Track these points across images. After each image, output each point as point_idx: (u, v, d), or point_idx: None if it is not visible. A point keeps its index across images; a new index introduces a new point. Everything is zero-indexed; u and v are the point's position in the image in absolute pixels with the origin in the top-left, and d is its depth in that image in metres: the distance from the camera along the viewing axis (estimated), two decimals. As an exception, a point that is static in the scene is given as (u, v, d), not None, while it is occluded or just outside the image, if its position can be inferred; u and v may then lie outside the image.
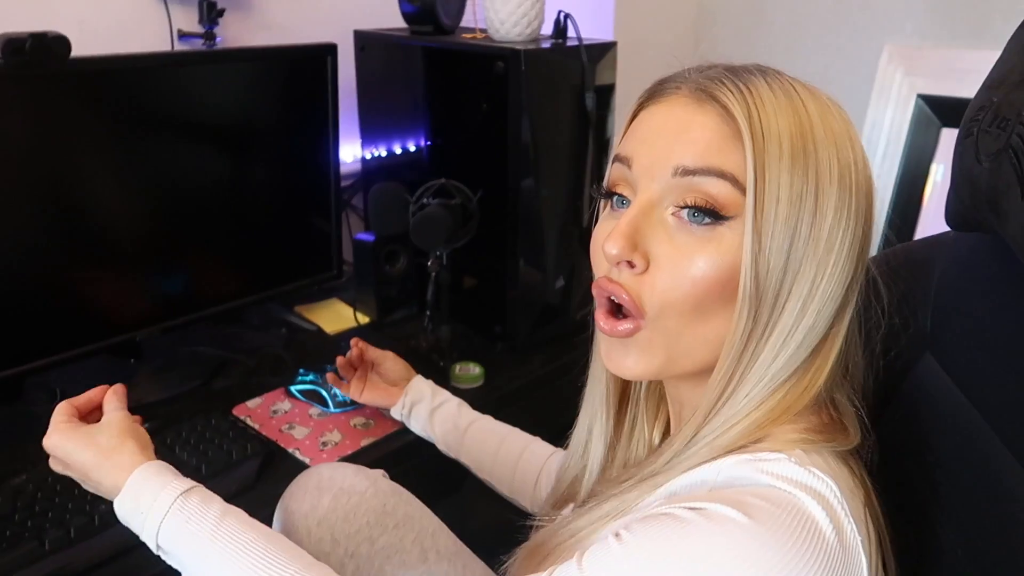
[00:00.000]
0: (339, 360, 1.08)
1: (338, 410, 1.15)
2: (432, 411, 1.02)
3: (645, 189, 0.55)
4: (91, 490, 0.72)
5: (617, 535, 0.51)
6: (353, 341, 1.08)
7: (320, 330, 1.42)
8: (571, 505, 0.69)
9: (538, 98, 1.20)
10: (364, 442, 1.08)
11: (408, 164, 1.45)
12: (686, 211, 0.53)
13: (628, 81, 1.39)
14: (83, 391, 1.11)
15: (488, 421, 1.02)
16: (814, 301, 0.53)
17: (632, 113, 0.59)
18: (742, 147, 0.52)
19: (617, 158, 0.58)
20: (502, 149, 1.24)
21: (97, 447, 0.70)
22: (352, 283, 1.49)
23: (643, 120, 0.57)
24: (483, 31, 1.34)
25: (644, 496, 0.57)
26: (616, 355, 0.58)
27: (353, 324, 1.43)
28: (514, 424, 1.02)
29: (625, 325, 0.56)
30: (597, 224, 0.61)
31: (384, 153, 1.49)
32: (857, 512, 0.52)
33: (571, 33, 1.27)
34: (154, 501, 0.65)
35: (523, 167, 1.23)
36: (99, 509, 0.89)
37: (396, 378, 1.06)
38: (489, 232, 1.26)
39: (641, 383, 0.70)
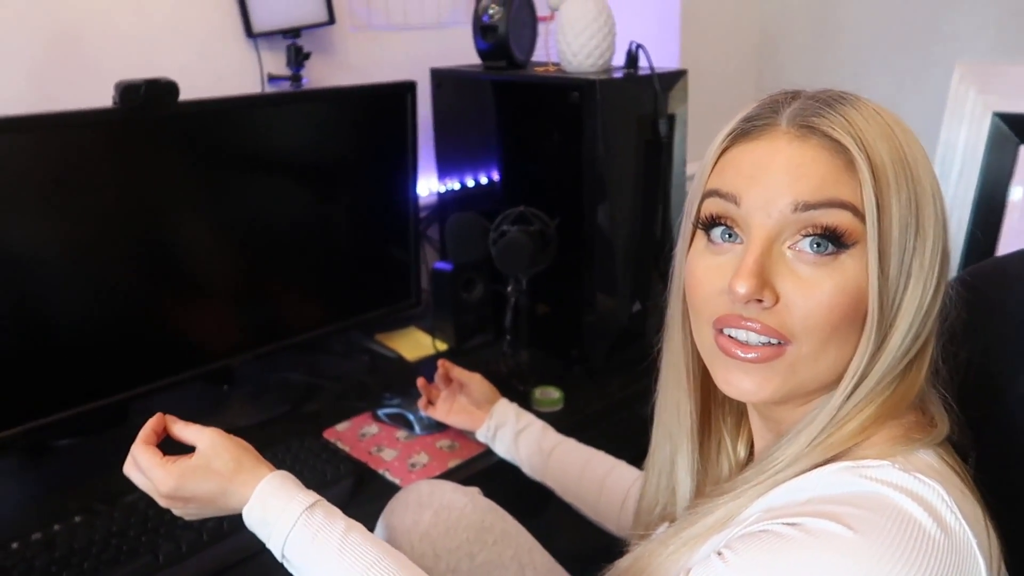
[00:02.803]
0: (421, 381, 1.12)
1: (424, 432, 1.18)
2: (517, 434, 1.04)
3: (761, 226, 0.56)
4: (215, 514, 0.73)
5: (720, 554, 0.53)
6: (440, 362, 1.12)
7: (400, 357, 1.46)
8: (665, 524, 0.70)
9: (611, 126, 1.23)
10: (451, 463, 1.11)
11: (482, 195, 1.49)
12: (807, 242, 0.55)
13: (697, 108, 1.42)
14: (183, 416, 1.18)
15: (572, 444, 1.03)
16: (922, 312, 0.56)
17: (720, 149, 0.61)
18: (855, 177, 0.55)
19: (717, 193, 0.59)
20: (576, 177, 1.27)
21: (218, 474, 0.70)
22: (430, 311, 1.53)
23: (740, 157, 0.59)
24: (555, 64, 1.38)
25: (742, 509, 0.59)
26: (736, 378, 0.59)
27: (431, 351, 1.46)
28: (595, 447, 1.04)
29: (760, 352, 0.57)
30: (691, 257, 0.62)
31: (458, 185, 1.54)
32: (971, 512, 0.52)
33: (642, 63, 1.30)
34: (281, 513, 0.67)
35: (598, 194, 1.26)
36: (207, 526, 0.93)
37: (481, 399, 1.09)
38: (564, 258, 1.29)
39: (726, 405, 0.71)
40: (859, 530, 0.49)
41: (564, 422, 1.21)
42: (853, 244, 0.55)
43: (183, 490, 0.70)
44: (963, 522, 0.51)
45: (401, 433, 1.19)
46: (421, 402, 1.14)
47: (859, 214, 0.54)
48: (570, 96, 1.23)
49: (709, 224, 0.60)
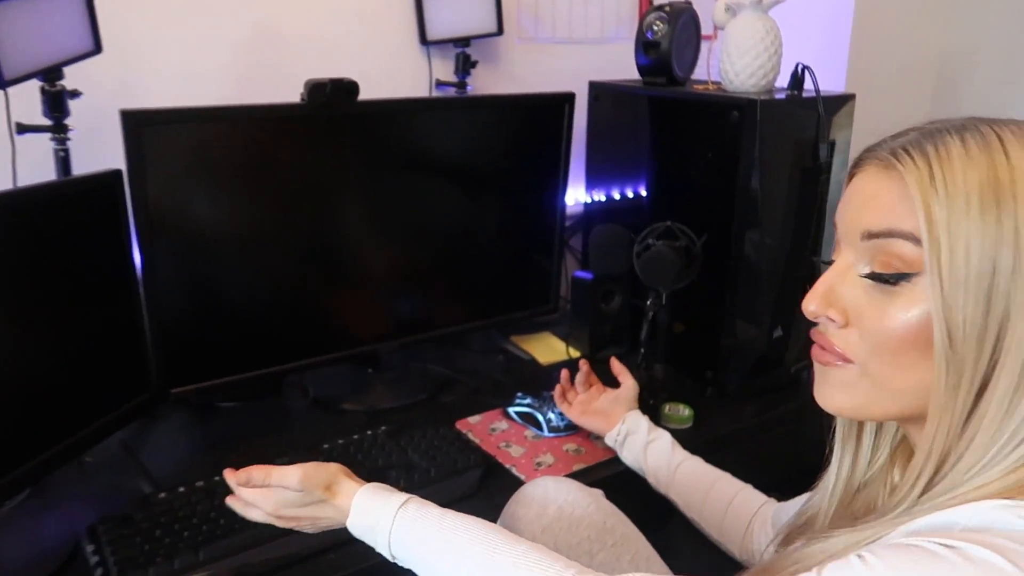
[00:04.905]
0: (564, 373, 1.17)
1: (551, 434, 1.21)
2: (647, 444, 1.05)
3: (843, 252, 0.62)
4: (323, 529, 0.79)
5: (861, 556, 0.52)
6: (582, 362, 1.15)
7: (534, 360, 1.50)
8: (801, 540, 0.69)
9: (769, 148, 1.22)
10: (576, 467, 1.13)
11: (627, 209, 1.50)
12: (876, 269, 0.58)
13: (861, 135, 1.37)
14: (330, 392, 1.27)
15: (699, 462, 1.03)
16: None
17: (847, 179, 0.64)
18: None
19: (834, 222, 0.64)
20: (728, 197, 1.26)
21: (316, 501, 0.77)
22: (566, 318, 1.56)
23: (849, 187, 0.63)
24: (716, 83, 1.38)
25: (884, 532, 0.57)
26: (820, 387, 0.64)
27: (565, 357, 1.49)
28: (722, 470, 1.03)
29: (833, 356, 0.61)
30: None
31: (604, 197, 1.56)
32: None
33: (807, 85, 1.27)
34: (380, 517, 0.72)
35: (749, 216, 1.24)
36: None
37: (621, 404, 1.12)
38: (707, 278, 1.28)
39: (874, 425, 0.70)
40: (1020, 566, 0.47)
41: (692, 441, 1.19)
42: (919, 273, 0.56)
43: (291, 511, 0.78)
44: None
45: (529, 432, 1.22)
46: (557, 394, 1.19)
47: (921, 243, 0.55)
48: (729, 115, 1.22)
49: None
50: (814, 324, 0.64)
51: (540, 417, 1.22)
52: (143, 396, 1.10)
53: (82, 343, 1.01)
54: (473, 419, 1.26)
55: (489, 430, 1.23)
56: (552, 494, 0.89)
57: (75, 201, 0.98)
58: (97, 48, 1.06)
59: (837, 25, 1.70)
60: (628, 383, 1.16)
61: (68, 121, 1.08)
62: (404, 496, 0.74)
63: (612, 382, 1.19)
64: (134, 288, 1.07)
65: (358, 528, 0.75)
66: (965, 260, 0.53)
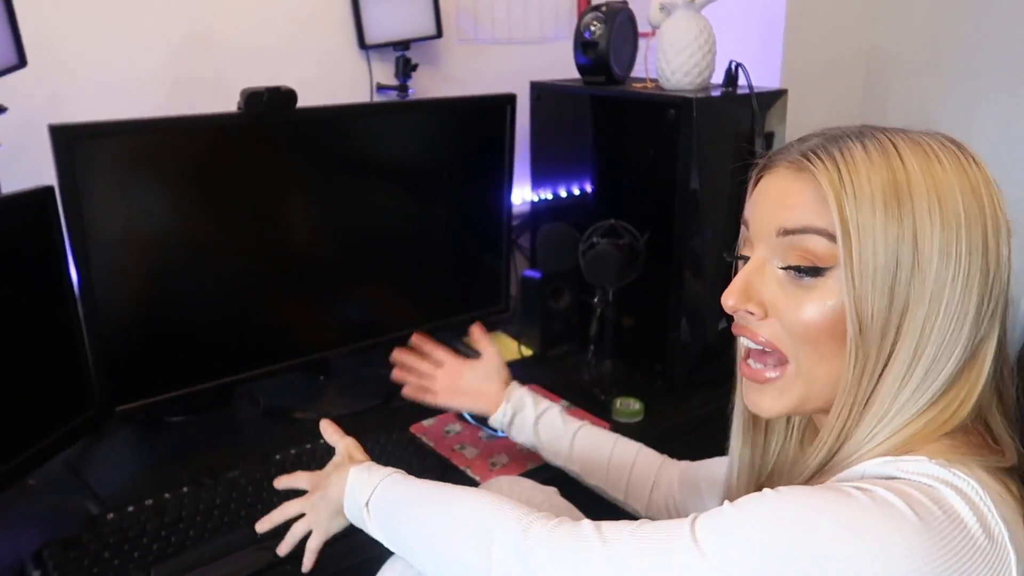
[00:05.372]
0: (396, 372, 1.16)
1: (505, 434, 1.21)
2: (536, 420, 1.05)
3: (757, 248, 0.65)
4: (334, 501, 0.85)
5: (777, 490, 0.56)
6: (414, 337, 1.14)
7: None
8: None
9: (706, 144, 1.24)
10: (529, 466, 1.14)
11: (574, 206, 1.52)
12: (792, 262, 0.61)
13: (796, 128, 1.41)
14: (281, 401, 1.26)
15: (591, 428, 1.05)
16: (932, 335, 0.58)
17: (753, 181, 0.67)
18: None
19: (743, 221, 0.67)
20: (669, 193, 1.28)
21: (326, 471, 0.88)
22: (517, 317, 1.57)
23: (758, 188, 0.66)
24: (653, 80, 1.40)
25: None
26: (755, 397, 0.67)
27: (517, 356, 1.50)
28: (675, 459, 1.05)
29: (770, 373, 0.65)
30: None
31: (550, 196, 1.58)
32: (1007, 515, 0.54)
33: (741, 81, 1.31)
34: (377, 471, 0.82)
35: (689, 210, 1.27)
36: (299, 505, 1.00)
37: (492, 376, 1.08)
38: (652, 273, 1.30)
39: None
40: (921, 516, 0.51)
41: (644, 434, 1.22)
42: (833, 267, 0.59)
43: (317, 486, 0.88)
44: (997, 518, 0.53)
45: (483, 433, 1.23)
46: (406, 390, 1.13)
47: (834, 239, 0.59)
48: (667, 113, 1.25)
49: (740, 255, 0.68)
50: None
51: (493, 417, 1.23)
52: (87, 414, 1.08)
53: (20, 364, 0.98)
54: (427, 422, 1.26)
55: (443, 432, 1.24)
56: (506, 493, 0.89)
57: (5, 220, 0.95)
58: (22, 61, 1.03)
59: (770, 23, 1.74)
60: (489, 351, 1.10)
61: (-5, 137, 1.05)
62: (393, 469, 0.82)
63: (567, 380, 1.18)
64: (72, 305, 1.04)
65: (350, 494, 0.82)
66: (872, 255, 0.57)
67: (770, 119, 1.32)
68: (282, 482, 0.91)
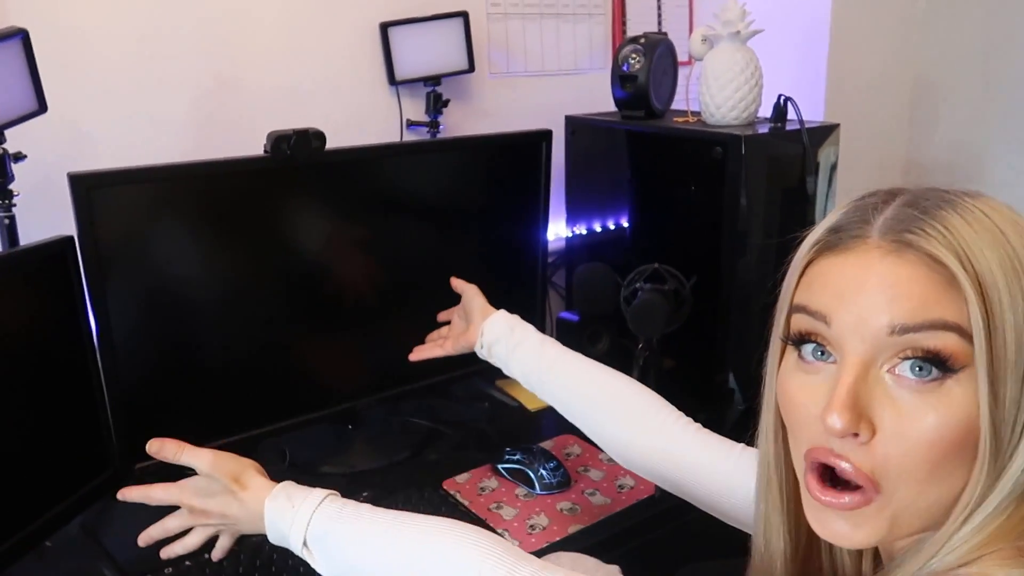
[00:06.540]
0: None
1: (544, 492, 1.15)
2: (510, 352, 0.98)
3: (854, 350, 0.51)
4: (240, 533, 0.80)
5: None
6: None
7: (522, 406, 1.43)
8: None
9: (755, 182, 1.18)
10: (571, 529, 1.07)
11: (610, 242, 1.46)
12: (908, 365, 0.50)
13: (848, 164, 1.34)
14: (308, 454, 1.20)
15: (573, 357, 0.96)
16: None
17: (806, 260, 0.56)
18: (959, 294, 0.49)
19: (804, 310, 0.54)
20: (715, 233, 1.22)
21: (225, 487, 0.78)
22: (552, 360, 1.50)
23: (828, 272, 0.54)
24: (695, 114, 1.34)
25: None
26: (829, 521, 0.54)
27: (553, 402, 1.43)
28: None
29: (851, 497, 0.52)
30: (783, 373, 0.57)
31: (585, 231, 1.52)
32: None
33: (790, 115, 1.24)
34: (305, 499, 0.72)
35: (737, 251, 1.20)
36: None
37: (469, 319, 1.04)
38: (696, 313, 1.23)
39: None
40: None
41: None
42: (961, 368, 0.49)
43: (196, 503, 0.80)
44: None
45: (520, 490, 1.16)
46: (414, 354, 1.11)
47: (966, 335, 0.48)
48: (713, 151, 1.18)
49: (799, 340, 0.55)
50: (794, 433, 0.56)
51: (531, 474, 1.16)
52: (105, 474, 1.03)
53: (37, 421, 0.93)
54: (460, 478, 1.19)
55: (478, 490, 1.17)
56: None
57: (23, 272, 0.91)
58: (42, 107, 0.99)
59: (813, 52, 1.68)
60: (468, 290, 1.05)
61: (12, 186, 1.01)
62: (324, 492, 0.74)
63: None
64: (91, 360, 0.99)
65: (274, 527, 0.74)
66: (1004, 347, 0.48)
67: (821, 155, 1.25)
68: (131, 495, 0.83)
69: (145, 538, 0.84)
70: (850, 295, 0.52)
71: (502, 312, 1.02)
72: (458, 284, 1.07)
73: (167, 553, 0.84)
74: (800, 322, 0.55)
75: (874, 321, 0.50)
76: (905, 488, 0.51)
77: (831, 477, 0.53)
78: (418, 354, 1.11)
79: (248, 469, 0.79)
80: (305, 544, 0.71)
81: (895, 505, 0.51)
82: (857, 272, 0.52)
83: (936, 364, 0.49)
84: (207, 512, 0.79)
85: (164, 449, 0.81)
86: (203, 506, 0.79)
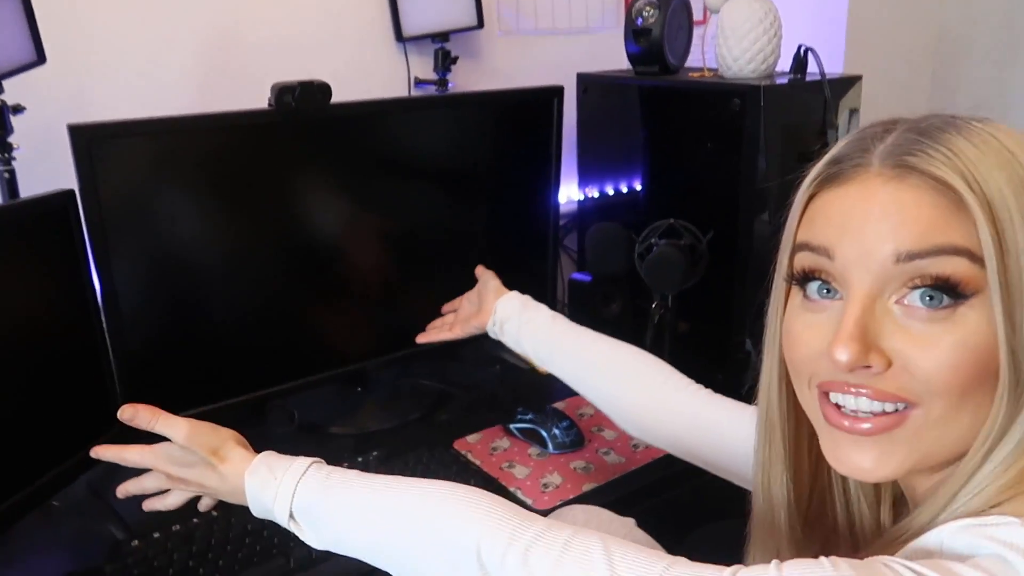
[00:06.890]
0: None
1: (557, 451, 1.13)
2: (521, 326, 0.98)
3: (860, 282, 0.49)
4: (221, 499, 0.75)
5: (832, 562, 0.46)
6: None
7: (532, 368, 1.40)
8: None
9: (773, 135, 1.14)
10: (585, 487, 1.05)
11: (624, 204, 1.43)
12: (918, 294, 0.48)
13: (868, 116, 1.30)
14: (317, 415, 1.18)
15: (582, 331, 0.96)
16: None
17: (807, 196, 0.53)
18: (968, 217, 0.46)
19: (807, 247, 0.52)
20: (732, 188, 1.18)
21: (202, 459, 0.73)
22: (564, 324, 1.47)
23: (830, 205, 0.52)
24: (712, 70, 1.31)
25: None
26: (848, 454, 0.51)
27: (565, 365, 1.41)
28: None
29: (881, 421, 0.50)
30: (788, 314, 0.55)
31: (597, 193, 1.49)
32: None
33: (810, 67, 1.20)
34: (287, 469, 0.68)
35: (756, 207, 1.17)
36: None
37: (483, 301, 1.04)
38: (712, 273, 1.20)
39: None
40: None
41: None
42: (973, 294, 0.47)
43: (173, 471, 0.75)
44: None
45: (533, 450, 1.14)
46: (421, 336, 1.11)
47: (977, 259, 0.46)
48: (730, 103, 1.15)
49: (803, 279, 0.53)
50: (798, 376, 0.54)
51: (544, 433, 1.14)
52: (110, 433, 1.01)
53: (41, 379, 0.92)
54: (472, 438, 1.18)
55: (490, 450, 1.15)
56: (582, 525, 0.80)
57: (24, 227, 0.89)
58: (40, 58, 0.97)
59: (832, 4, 1.63)
60: (484, 274, 1.06)
61: (12, 139, 0.99)
62: (308, 460, 0.69)
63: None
64: (95, 316, 0.98)
65: (256, 501, 0.70)
66: (1020, 270, 0.46)
67: (843, 108, 1.21)
68: (104, 453, 0.77)
69: (122, 491, 0.80)
70: (853, 226, 0.49)
71: (515, 292, 1.03)
72: (482, 271, 1.08)
73: (148, 506, 0.80)
74: (803, 260, 0.53)
75: (879, 250, 0.48)
76: (938, 407, 0.48)
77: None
78: (424, 338, 1.11)
79: (228, 441, 0.74)
80: (292, 517, 0.67)
81: (928, 427, 0.49)
82: (858, 202, 0.50)
83: (947, 291, 0.47)
84: (185, 480, 0.75)
85: (138, 416, 0.75)
86: (180, 475, 0.75)
